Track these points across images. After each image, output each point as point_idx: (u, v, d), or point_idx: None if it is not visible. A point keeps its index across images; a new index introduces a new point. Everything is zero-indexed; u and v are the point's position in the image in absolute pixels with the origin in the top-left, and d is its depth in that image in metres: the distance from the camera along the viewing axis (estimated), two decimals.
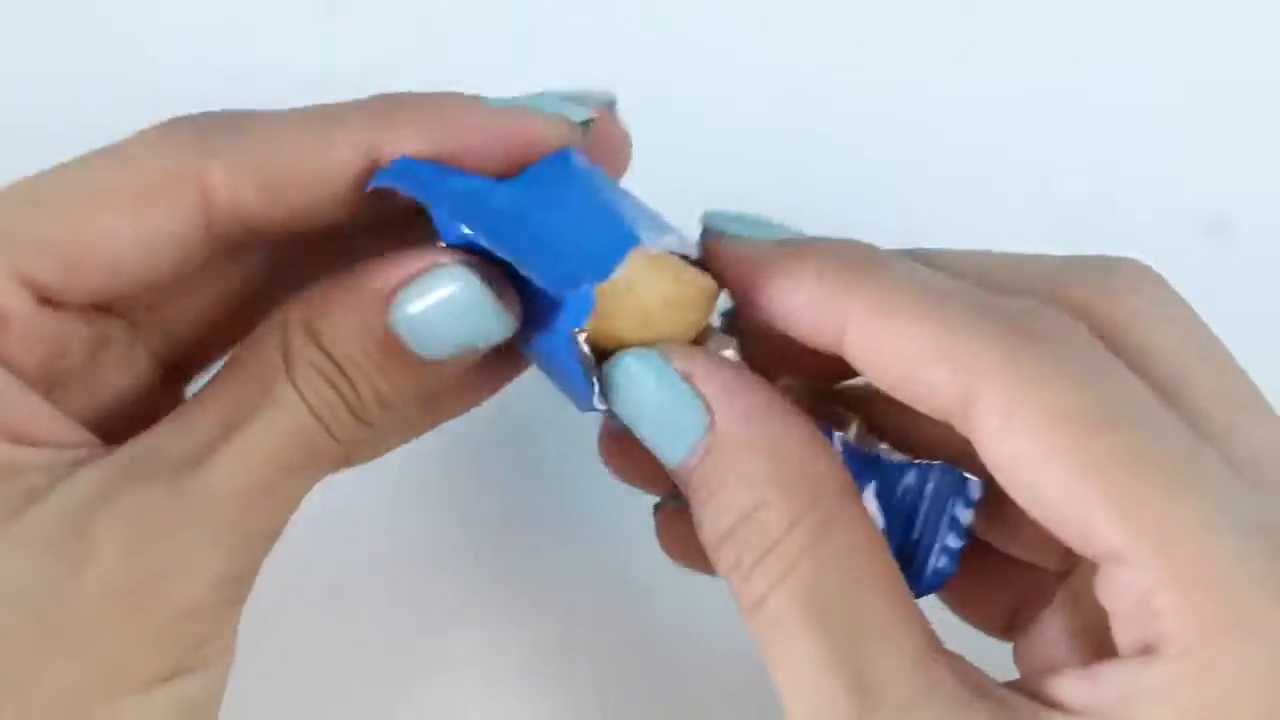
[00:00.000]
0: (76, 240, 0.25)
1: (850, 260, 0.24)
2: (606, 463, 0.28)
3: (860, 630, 0.22)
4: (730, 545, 0.23)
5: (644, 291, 0.24)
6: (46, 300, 0.25)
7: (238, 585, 0.25)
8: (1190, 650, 0.21)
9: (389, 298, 0.24)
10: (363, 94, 0.26)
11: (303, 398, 0.24)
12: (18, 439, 0.24)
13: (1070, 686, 0.22)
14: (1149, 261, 0.38)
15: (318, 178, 0.25)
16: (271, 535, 0.25)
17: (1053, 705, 0.22)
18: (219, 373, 0.25)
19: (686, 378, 0.24)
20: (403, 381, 0.25)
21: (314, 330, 0.24)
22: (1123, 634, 0.22)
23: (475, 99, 0.26)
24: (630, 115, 0.28)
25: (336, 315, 0.24)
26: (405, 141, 0.25)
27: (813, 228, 0.38)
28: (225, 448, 0.24)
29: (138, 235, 0.25)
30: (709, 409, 0.24)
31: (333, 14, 0.40)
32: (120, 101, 0.30)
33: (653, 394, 0.24)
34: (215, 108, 0.28)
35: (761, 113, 0.40)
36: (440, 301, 0.24)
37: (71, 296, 0.25)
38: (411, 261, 0.25)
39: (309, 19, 0.40)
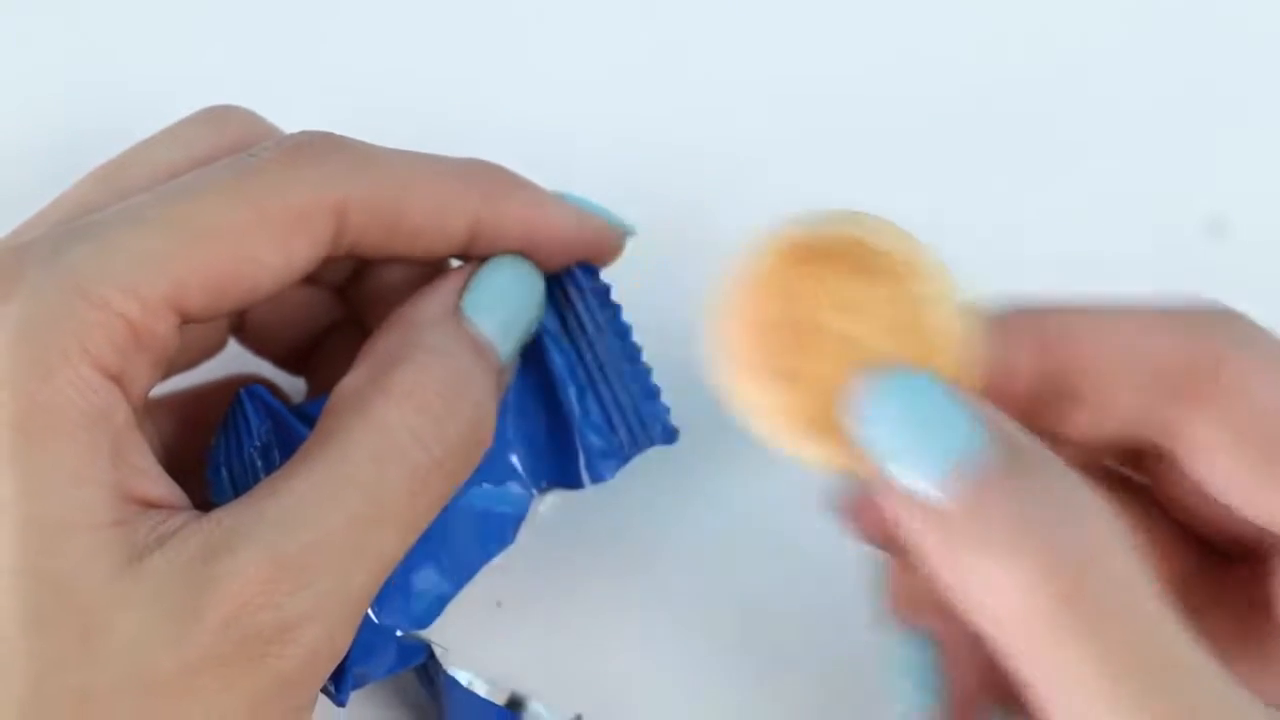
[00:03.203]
0: (230, 271, 0.25)
1: None
2: (852, 525, 0.27)
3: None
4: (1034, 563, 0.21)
5: None
6: (185, 320, 0.25)
7: (331, 660, 0.25)
8: None
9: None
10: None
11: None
12: (129, 498, 0.24)
13: None
14: (1148, 261, 0.39)
15: (430, 232, 0.27)
16: (369, 597, 0.25)
17: None
18: (307, 442, 0.25)
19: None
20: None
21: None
22: None
23: (558, 194, 0.29)
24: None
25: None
26: (507, 222, 0.28)
27: None
28: (322, 508, 0.24)
29: (281, 263, 0.26)
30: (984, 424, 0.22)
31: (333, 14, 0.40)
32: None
33: (927, 408, 0.22)
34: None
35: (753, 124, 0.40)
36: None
37: (208, 317, 0.26)
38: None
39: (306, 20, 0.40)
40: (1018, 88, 0.41)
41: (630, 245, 0.31)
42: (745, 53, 0.41)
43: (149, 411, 0.29)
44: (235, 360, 0.33)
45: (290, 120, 0.30)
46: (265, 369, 0.33)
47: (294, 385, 0.33)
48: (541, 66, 0.40)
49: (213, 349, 0.31)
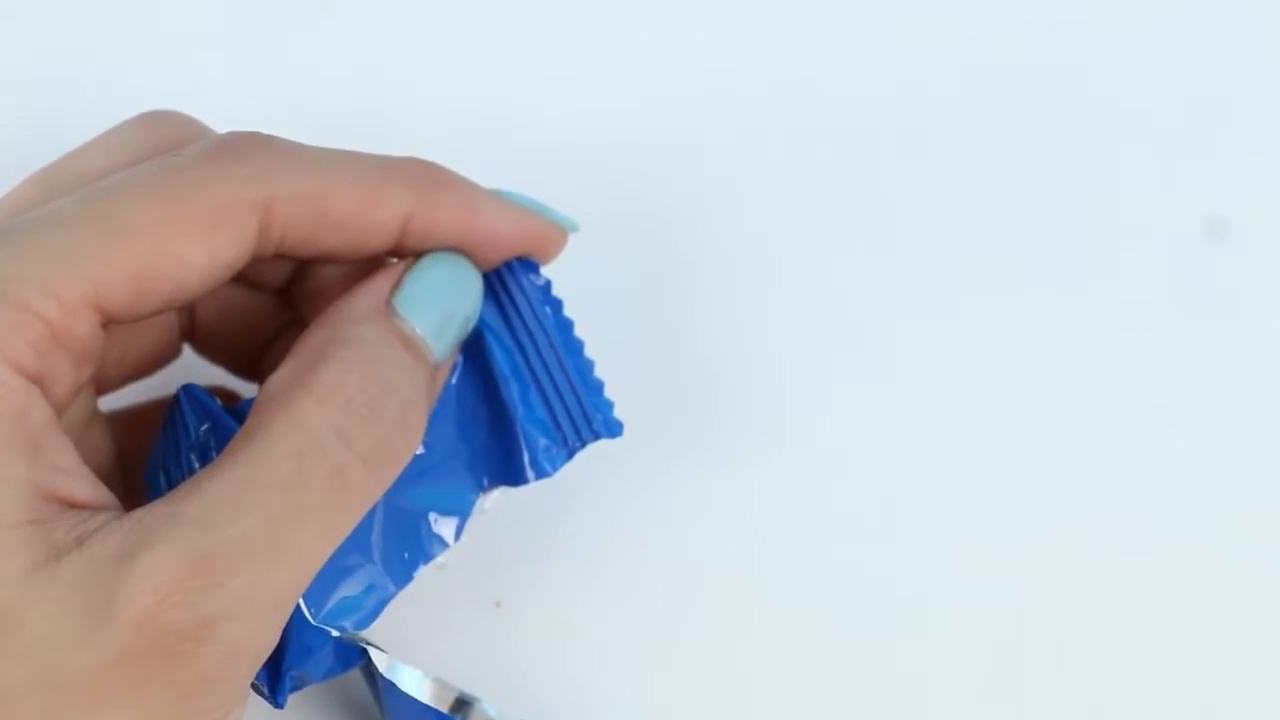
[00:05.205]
0: (151, 268, 0.25)
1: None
2: None
3: None
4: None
5: None
6: (108, 320, 0.25)
7: (254, 659, 0.25)
8: None
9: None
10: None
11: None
12: (50, 498, 0.24)
13: None
14: (1147, 261, 0.38)
15: (358, 227, 0.27)
16: (294, 596, 0.25)
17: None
18: (232, 440, 0.25)
19: None
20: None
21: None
22: None
23: (495, 191, 0.29)
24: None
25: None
26: (439, 217, 0.28)
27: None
28: (239, 507, 0.24)
29: (204, 260, 0.26)
30: None
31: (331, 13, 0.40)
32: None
33: None
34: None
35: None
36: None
37: (132, 317, 0.26)
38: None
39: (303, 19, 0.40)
40: (1017, 87, 0.40)
41: (574, 240, 0.30)
42: (730, 45, 0.41)
43: (106, 423, 0.29)
44: (199, 373, 0.32)
45: (260, 124, 0.29)
46: (230, 380, 0.33)
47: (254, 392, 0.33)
48: (513, 65, 0.40)
49: (165, 357, 0.31)
